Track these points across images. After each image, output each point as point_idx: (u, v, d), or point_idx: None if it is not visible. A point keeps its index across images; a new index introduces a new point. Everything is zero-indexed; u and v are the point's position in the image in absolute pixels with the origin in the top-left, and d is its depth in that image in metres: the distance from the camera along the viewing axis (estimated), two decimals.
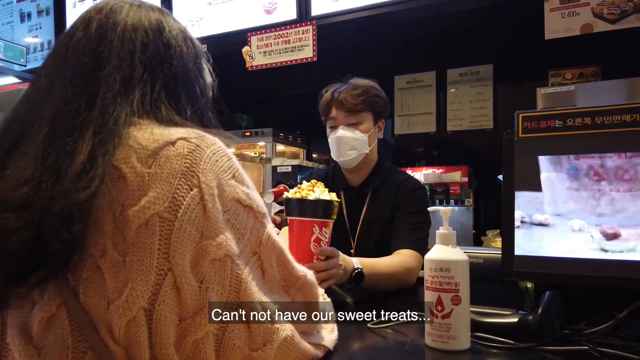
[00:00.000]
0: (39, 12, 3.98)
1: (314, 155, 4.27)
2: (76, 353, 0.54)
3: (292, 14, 2.98)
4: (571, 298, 0.91)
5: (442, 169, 3.54)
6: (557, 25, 2.28)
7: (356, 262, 1.25)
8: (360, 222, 1.54)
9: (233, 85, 3.67)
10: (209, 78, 0.78)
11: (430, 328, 0.82)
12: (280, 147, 3.64)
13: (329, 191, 1.18)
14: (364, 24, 2.93)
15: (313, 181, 1.13)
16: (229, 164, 0.61)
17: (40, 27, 3.99)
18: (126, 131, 0.59)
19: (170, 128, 0.62)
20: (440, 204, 3.35)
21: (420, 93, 3.67)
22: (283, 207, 2.93)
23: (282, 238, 0.90)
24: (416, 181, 1.60)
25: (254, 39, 3.04)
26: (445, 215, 0.87)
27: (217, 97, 0.81)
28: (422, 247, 1.44)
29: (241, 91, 3.93)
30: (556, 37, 2.30)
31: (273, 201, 2.97)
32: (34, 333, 0.55)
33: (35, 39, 4.00)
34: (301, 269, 0.70)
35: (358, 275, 1.23)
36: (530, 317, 0.85)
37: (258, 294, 0.61)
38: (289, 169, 3.23)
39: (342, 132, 1.50)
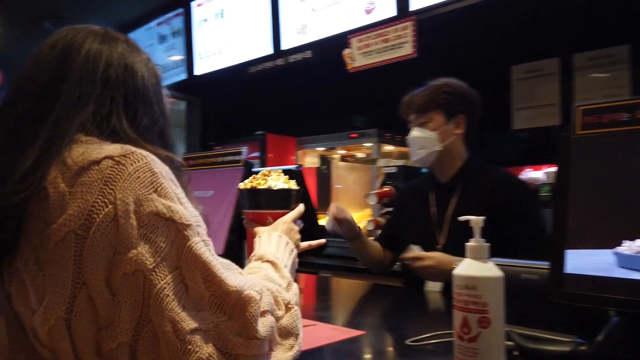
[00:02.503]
0: (173, 34, 4.47)
1: None
2: (12, 354, 0.61)
3: (391, 11, 2.92)
4: None
5: None
6: None
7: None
8: (448, 219, 1.55)
9: (347, 87, 3.71)
10: (168, 105, 0.83)
11: (457, 351, 0.74)
12: (388, 148, 3.58)
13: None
14: (469, 13, 2.74)
15: (267, 169, 1.04)
16: (151, 180, 0.62)
17: (175, 47, 4.46)
18: (66, 149, 0.63)
19: (106, 145, 0.65)
20: None
21: (541, 83, 3.32)
22: (389, 209, 2.89)
23: None
24: (516, 179, 1.60)
25: (354, 41, 3.04)
26: (476, 226, 0.77)
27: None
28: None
29: (357, 92, 3.95)
30: None
31: (377, 203, 2.95)
32: None
33: (170, 58, 4.50)
34: (235, 283, 0.64)
35: None
36: (584, 347, 0.72)
37: (172, 312, 0.58)
38: (395, 169, 3.16)
39: (413, 132, 1.57)
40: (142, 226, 0.59)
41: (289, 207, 0.99)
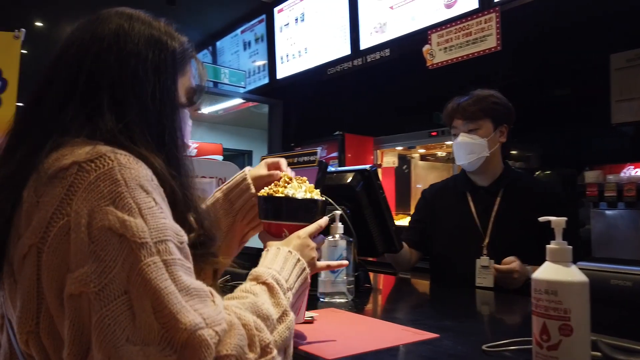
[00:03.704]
0: (256, 40, 4.64)
1: (512, 153, 3.91)
2: (12, 356, 0.62)
3: (473, 4, 2.81)
4: None
5: None
6: None
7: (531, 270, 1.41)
8: (492, 220, 1.65)
9: (427, 84, 3.64)
10: (186, 83, 0.75)
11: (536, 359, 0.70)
12: None
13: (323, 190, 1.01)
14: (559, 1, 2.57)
15: (287, 176, 0.92)
16: (110, 189, 0.55)
17: (258, 53, 4.64)
18: (46, 155, 0.60)
19: (80, 148, 0.59)
20: None
21: None
22: None
23: None
24: (553, 186, 1.82)
25: (434, 36, 2.97)
26: (558, 227, 0.72)
27: None
28: None
29: (437, 89, 3.85)
30: None
31: None
32: None
33: (254, 63, 4.68)
34: (189, 319, 0.52)
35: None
36: None
37: (109, 345, 0.50)
38: None
39: (462, 138, 1.67)
40: (92, 242, 0.53)
41: (310, 220, 0.87)
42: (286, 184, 0.89)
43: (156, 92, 0.68)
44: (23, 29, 2.24)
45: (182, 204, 0.66)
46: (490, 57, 2.71)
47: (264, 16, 4.48)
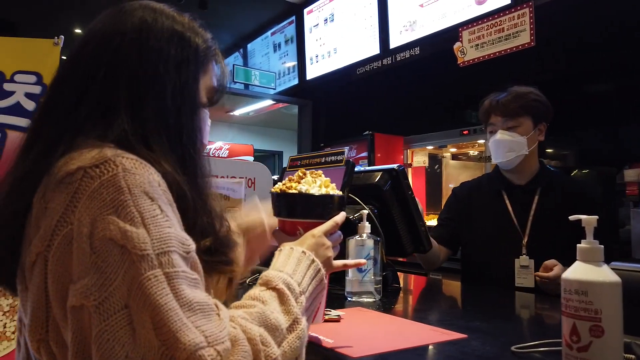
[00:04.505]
0: (286, 42, 4.68)
1: (547, 151, 3.81)
2: (29, 359, 0.62)
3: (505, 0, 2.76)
4: None
5: None
6: None
7: None
8: (530, 219, 1.60)
9: (458, 82, 3.59)
10: (207, 82, 0.73)
11: None
12: None
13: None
14: None
15: (302, 170, 0.86)
16: (113, 197, 0.53)
17: (287, 54, 4.67)
18: (57, 159, 0.58)
19: (89, 150, 0.57)
20: None
21: None
22: None
23: None
24: (592, 184, 1.74)
25: (465, 34, 2.93)
26: (589, 226, 0.70)
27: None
28: None
29: (469, 87, 3.79)
30: None
31: None
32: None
33: (284, 65, 4.71)
34: (189, 338, 0.50)
35: None
36: None
37: None
38: None
39: (501, 135, 1.61)
40: (94, 253, 0.51)
41: (326, 217, 0.81)
42: (300, 179, 0.83)
43: (176, 90, 0.66)
44: (62, 36, 2.33)
45: (192, 209, 0.64)
46: (524, 54, 2.65)
47: (293, 17, 4.51)
